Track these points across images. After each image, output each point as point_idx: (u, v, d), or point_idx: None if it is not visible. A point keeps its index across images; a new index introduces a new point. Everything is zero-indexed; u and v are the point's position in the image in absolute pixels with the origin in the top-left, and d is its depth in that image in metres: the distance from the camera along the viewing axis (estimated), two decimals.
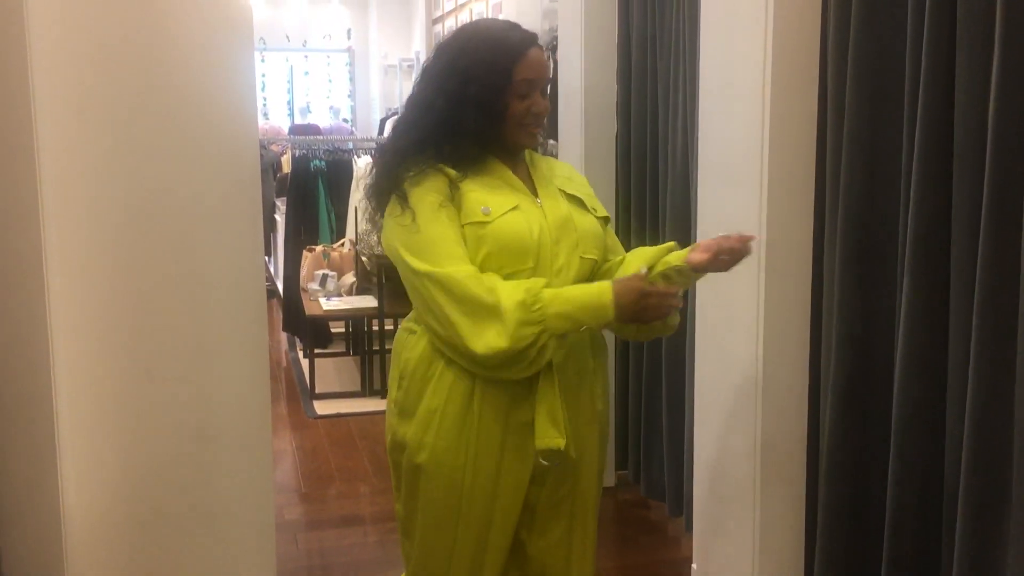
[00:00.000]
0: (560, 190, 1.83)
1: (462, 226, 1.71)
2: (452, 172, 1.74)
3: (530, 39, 1.77)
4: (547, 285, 1.68)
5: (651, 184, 3.05)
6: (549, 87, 1.83)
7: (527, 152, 1.87)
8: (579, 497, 1.87)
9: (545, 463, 1.75)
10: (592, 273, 1.81)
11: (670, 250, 1.82)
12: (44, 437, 2.10)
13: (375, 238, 4.78)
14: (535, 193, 1.81)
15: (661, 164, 2.97)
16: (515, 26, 1.80)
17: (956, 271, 1.69)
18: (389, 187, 1.76)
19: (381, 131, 9.09)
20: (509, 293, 1.64)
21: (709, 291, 2.42)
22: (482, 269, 1.69)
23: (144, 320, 2.18)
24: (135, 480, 2.20)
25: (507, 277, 1.69)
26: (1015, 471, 1.55)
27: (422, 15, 8.97)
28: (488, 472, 1.76)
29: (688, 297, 2.58)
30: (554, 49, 3.73)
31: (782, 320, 2.20)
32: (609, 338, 2.33)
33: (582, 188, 1.89)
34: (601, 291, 1.67)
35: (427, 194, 1.72)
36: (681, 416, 2.91)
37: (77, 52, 2.04)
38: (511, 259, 1.70)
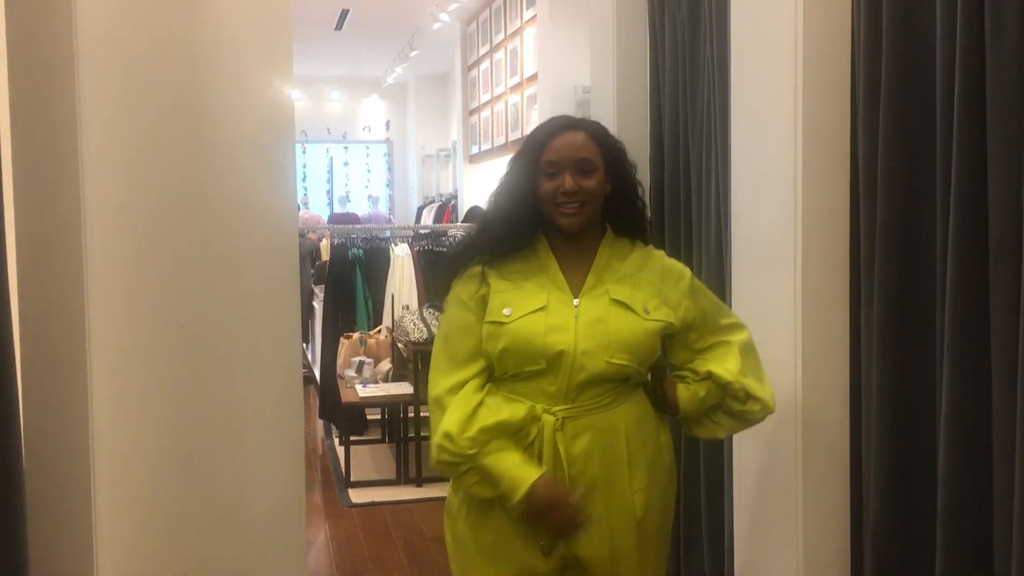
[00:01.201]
0: (607, 291, 1.85)
1: (485, 323, 1.82)
2: (485, 269, 1.87)
3: (564, 124, 1.87)
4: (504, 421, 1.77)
5: None
6: (596, 168, 1.85)
7: (608, 243, 1.90)
8: None
9: (543, 553, 1.81)
10: (625, 375, 1.83)
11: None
12: (82, 526, 2.10)
13: (411, 325, 4.83)
14: (580, 286, 1.85)
15: (695, 248, 2.97)
16: (566, 117, 1.92)
17: (997, 355, 1.66)
18: (446, 288, 1.93)
19: (418, 219, 9.23)
20: (445, 422, 1.78)
21: None
22: (500, 362, 1.81)
23: (182, 409, 2.19)
24: (170, 568, 2.18)
25: (522, 374, 1.81)
26: None
27: (458, 107, 9.18)
28: (514, 559, 1.83)
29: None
30: None
31: (821, 407, 2.16)
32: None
33: (640, 293, 1.86)
34: (527, 476, 1.74)
35: (457, 294, 1.89)
36: (720, 507, 2.84)
37: (124, 144, 2.11)
38: (522, 360, 1.80)
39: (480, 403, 1.79)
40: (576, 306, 1.83)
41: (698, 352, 1.95)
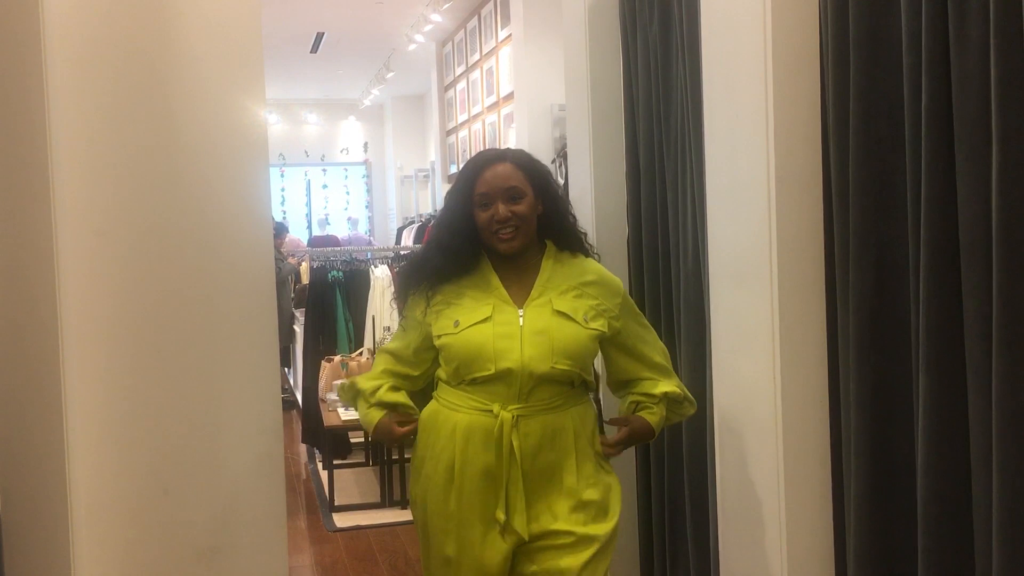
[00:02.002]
0: (550, 302, 2.04)
1: (439, 336, 2.04)
2: (430, 295, 2.08)
3: (491, 158, 2.08)
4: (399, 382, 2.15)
5: (664, 283, 3.06)
6: (525, 194, 2.05)
7: (550, 256, 2.10)
8: None
9: (503, 537, 1.98)
10: (569, 379, 2.03)
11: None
12: (60, 559, 2.07)
13: None
14: (526, 298, 2.04)
15: (673, 264, 2.98)
16: (492, 150, 2.16)
17: (971, 361, 1.67)
18: (403, 299, 2.18)
19: (398, 240, 9.23)
20: (368, 375, 2.19)
21: (728, 390, 2.40)
22: (456, 372, 2.03)
23: (160, 436, 2.18)
24: None
25: (478, 380, 2.00)
26: None
27: (436, 127, 9.20)
28: (472, 541, 2.01)
29: (707, 396, 2.56)
30: (565, 156, 3.80)
31: (801, 418, 2.17)
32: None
33: (582, 303, 2.07)
34: (371, 418, 2.13)
35: (407, 310, 2.14)
36: (705, 520, 2.84)
37: (97, 169, 2.10)
38: (473, 365, 2.00)
39: (388, 384, 2.14)
40: (521, 316, 2.02)
41: (640, 361, 2.18)
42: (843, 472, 2.13)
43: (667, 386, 2.17)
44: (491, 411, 1.98)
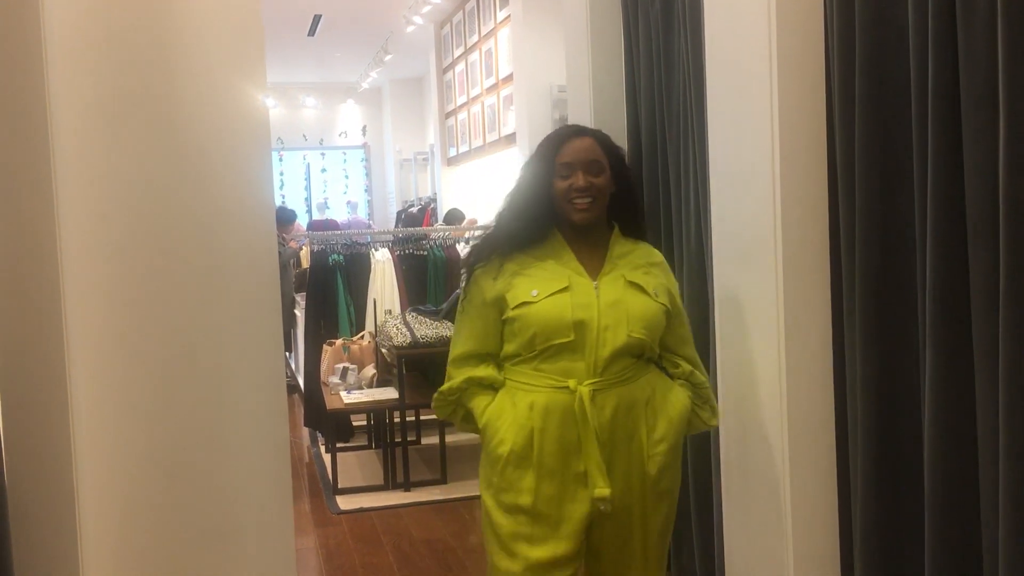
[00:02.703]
0: (623, 275, 2.09)
1: (515, 307, 2.04)
2: (504, 262, 2.08)
3: (574, 131, 2.14)
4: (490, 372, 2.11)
5: None
6: (604, 169, 2.09)
7: (617, 237, 2.14)
8: (638, 544, 2.09)
9: (601, 508, 2.01)
10: (641, 349, 2.08)
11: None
12: (66, 541, 2.08)
13: (394, 329, 4.82)
14: (598, 272, 2.08)
15: (676, 244, 2.98)
16: (575, 125, 2.21)
17: (977, 338, 1.67)
18: (469, 273, 2.16)
19: (398, 223, 9.21)
20: (452, 379, 2.14)
21: (732, 373, 2.40)
22: (530, 341, 2.04)
23: (164, 419, 2.18)
24: None
25: (551, 349, 2.03)
26: None
27: (435, 110, 9.18)
28: (550, 509, 2.03)
29: (711, 379, 2.57)
30: None
31: (806, 400, 2.17)
32: None
33: (651, 279, 2.12)
34: (479, 414, 2.10)
35: (473, 287, 2.13)
36: (709, 504, 2.85)
37: (99, 154, 2.10)
38: (552, 333, 2.02)
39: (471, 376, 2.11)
40: (596, 287, 2.05)
41: (668, 349, 2.18)
42: (849, 453, 2.13)
43: (693, 368, 2.17)
44: (567, 387, 2.01)
